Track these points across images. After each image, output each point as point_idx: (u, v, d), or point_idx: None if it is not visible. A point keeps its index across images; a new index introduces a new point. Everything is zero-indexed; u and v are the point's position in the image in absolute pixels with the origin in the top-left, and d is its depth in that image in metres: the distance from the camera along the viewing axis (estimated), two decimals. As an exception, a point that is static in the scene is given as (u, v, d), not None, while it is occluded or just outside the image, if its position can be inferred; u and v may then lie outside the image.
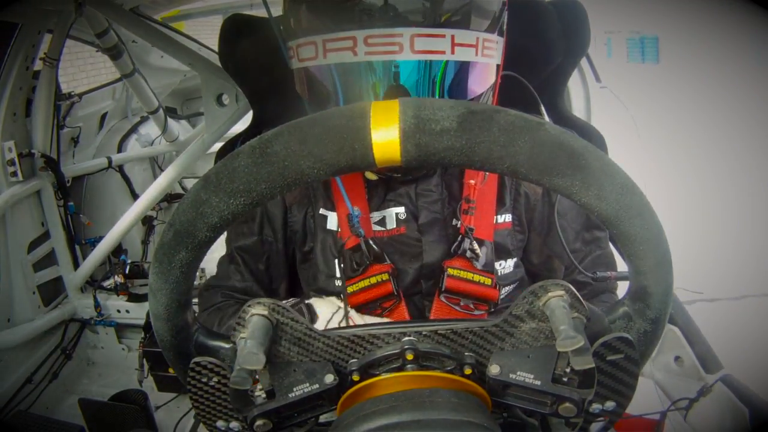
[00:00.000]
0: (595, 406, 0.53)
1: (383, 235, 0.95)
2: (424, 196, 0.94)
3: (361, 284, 0.91)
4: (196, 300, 2.23)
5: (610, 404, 0.53)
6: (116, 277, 2.37)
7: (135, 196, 2.78)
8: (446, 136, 0.43)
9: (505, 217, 0.98)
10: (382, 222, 0.95)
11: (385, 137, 0.43)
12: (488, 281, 0.91)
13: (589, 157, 0.44)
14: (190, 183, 3.19)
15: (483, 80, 0.85)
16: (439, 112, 0.43)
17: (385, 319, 0.94)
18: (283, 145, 0.44)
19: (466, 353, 0.53)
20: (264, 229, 1.01)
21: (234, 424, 0.55)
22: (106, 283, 2.41)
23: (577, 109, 1.80)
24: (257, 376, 0.51)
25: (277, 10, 0.96)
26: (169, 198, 2.96)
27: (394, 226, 0.95)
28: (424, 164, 0.45)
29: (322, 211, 0.99)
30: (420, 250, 0.95)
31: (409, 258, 0.95)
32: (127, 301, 2.36)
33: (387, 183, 0.95)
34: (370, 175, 0.94)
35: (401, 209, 0.95)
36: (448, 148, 0.43)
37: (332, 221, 0.98)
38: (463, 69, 0.81)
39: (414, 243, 0.95)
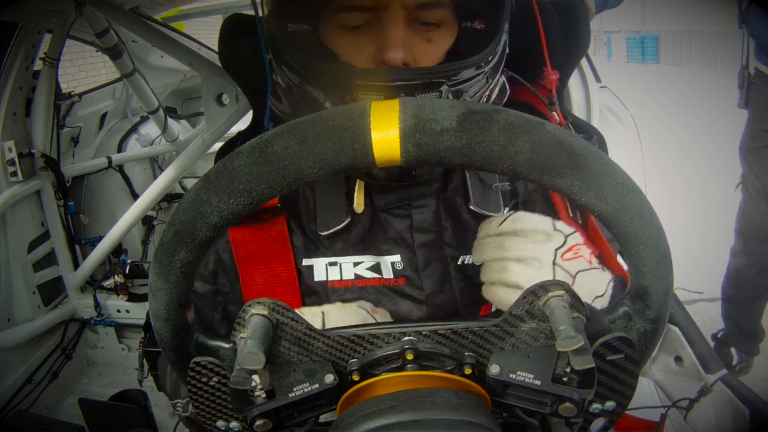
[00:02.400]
0: (595, 406, 0.53)
1: (379, 283, 0.84)
2: (421, 235, 0.84)
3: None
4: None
5: (610, 404, 0.53)
6: (116, 277, 2.37)
7: (135, 196, 2.78)
8: (446, 135, 0.43)
9: None
10: (376, 268, 0.84)
11: (385, 137, 0.43)
12: None
13: (589, 157, 0.44)
14: (190, 183, 3.19)
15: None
16: (439, 112, 0.43)
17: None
18: (283, 145, 0.44)
19: (466, 353, 0.53)
20: (219, 278, 0.87)
21: (234, 424, 0.55)
22: (106, 283, 2.41)
23: (577, 109, 1.80)
24: (257, 376, 0.51)
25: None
26: (169, 198, 2.97)
27: (392, 276, 0.84)
28: (424, 164, 0.45)
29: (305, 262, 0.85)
30: (423, 298, 0.84)
31: (415, 302, 0.85)
32: (127, 301, 2.37)
33: (379, 221, 0.84)
34: (358, 208, 0.82)
35: (397, 258, 0.84)
36: (449, 148, 0.43)
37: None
38: None
39: (417, 292, 0.84)
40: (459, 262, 0.85)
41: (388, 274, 0.84)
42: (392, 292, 0.84)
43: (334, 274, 0.84)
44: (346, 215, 0.81)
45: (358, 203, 0.81)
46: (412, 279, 0.84)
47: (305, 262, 0.85)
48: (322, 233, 0.82)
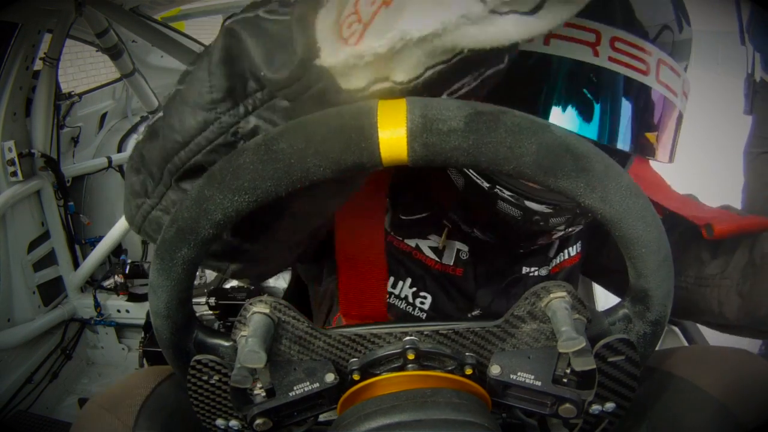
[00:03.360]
0: (595, 407, 0.53)
1: (433, 265, 0.82)
2: (481, 244, 0.81)
3: None
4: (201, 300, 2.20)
5: (609, 405, 0.53)
6: (116, 277, 2.37)
7: (135, 196, 2.77)
8: (453, 136, 0.42)
9: (576, 247, 0.87)
10: (439, 252, 0.82)
11: (393, 136, 0.43)
12: None
13: (594, 160, 0.44)
14: (190, 183, 3.18)
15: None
16: (446, 112, 0.43)
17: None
18: (289, 143, 0.43)
19: (467, 353, 0.53)
20: None
21: (233, 423, 0.55)
22: (106, 283, 2.41)
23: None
24: (257, 375, 0.51)
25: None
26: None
27: (451, 263, 0.82)
28: (430, 164, 0.45)
29: None
30: (473, 293, 0.83)
31: (463, 296, 0.83)
32: (127, 301, 2.36)
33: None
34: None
35: (465, 248, 0.81)
36: (456, 148, 0.43)
37: None
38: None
39: (470, 286, 0.83)
40: (523, 273, 0.83)
41: (448, 259, 0.82)
42: (444, 279, 0.82)
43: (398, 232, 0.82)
44: (425, 209, 0.81)
45: (442, 243, 0.81)
46: (468, 273, 0.82)
47: None
48: (402, 217, 0.82)
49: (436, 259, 0.82)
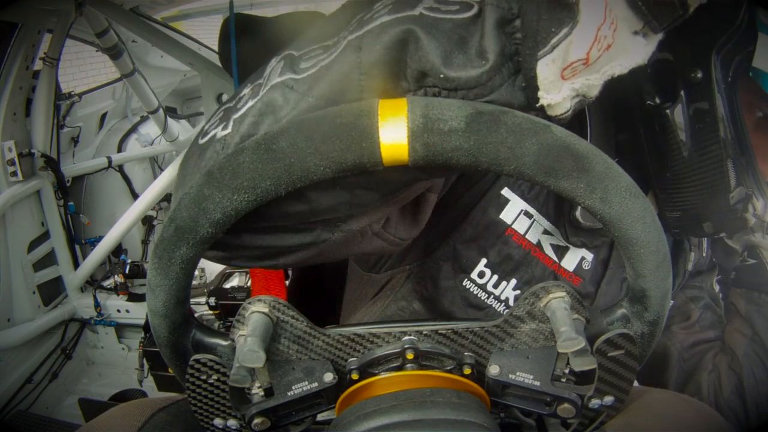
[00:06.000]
0: (595, 401, 0.53)
1: (551, 265, 0.75)
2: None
3: None
4: (201, 300, 2.20)
5: (608, 399, 0.53)
6: (116, 276, 2.38)
7: (135, 196, 2.78)
8: (454, 136, 0.42)
9: None
10: (560, 252, 0.75)
11: (393, 136, 0.43)
12: None
13: (594, 160, 0.44)
14: (190, 183, 3.19)
15: None
16: (447, 112, 0.42)
17: None
18: (289, 142, 0.43)
19: (465, 353, 0.53)
20: None
21: (232, 422, 0.55)
22: (106, 283, 2.41)
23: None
24: (256, 374, 0.51)
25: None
26: (169, 198, 2.96)
27: (571, 269, 0.76)
28: (431, 165, 0.44)
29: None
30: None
31: None
32: (127, 300, 2.37)
33: None
34: None
35: (591, 256, 0.75)
36: (456, 149, 0.43)
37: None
38: None
39: (585, 301, 0.75)
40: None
41: (569, 265, 0.76)
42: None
43: (521, 225, 0.74)
44: None
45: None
46: (587, 287, 0.77)
47: (505, 191, 0.75)
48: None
49: (556, 259, 0.75)
